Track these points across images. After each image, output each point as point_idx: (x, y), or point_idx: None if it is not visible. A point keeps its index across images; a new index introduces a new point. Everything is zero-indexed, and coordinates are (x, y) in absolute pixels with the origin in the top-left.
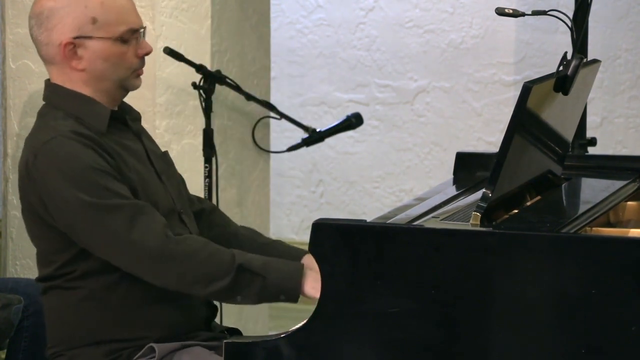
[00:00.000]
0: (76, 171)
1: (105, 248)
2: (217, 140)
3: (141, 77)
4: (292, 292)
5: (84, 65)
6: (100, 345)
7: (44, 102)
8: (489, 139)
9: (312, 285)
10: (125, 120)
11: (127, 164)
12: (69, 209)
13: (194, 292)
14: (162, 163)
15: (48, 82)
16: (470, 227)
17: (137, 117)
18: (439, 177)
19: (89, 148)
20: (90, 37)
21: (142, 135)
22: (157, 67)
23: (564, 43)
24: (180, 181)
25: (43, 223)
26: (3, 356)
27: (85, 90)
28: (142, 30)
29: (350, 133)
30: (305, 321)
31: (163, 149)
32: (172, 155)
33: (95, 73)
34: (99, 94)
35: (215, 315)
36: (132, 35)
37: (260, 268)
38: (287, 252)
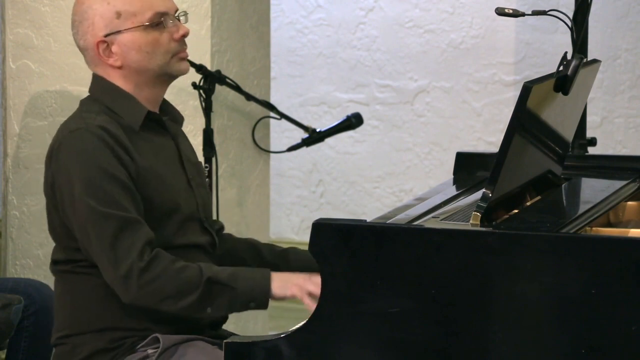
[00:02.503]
0: (87, 169)
1: (89, 249)
2: (217, 140)
3: (186, 60)
4: (261, 299)
5: (120, 62)
6: (105, 333)
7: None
8: (489, 139)
9: (279, 285)
10: (163, 122)
11: (149, 165)
12: (69, 202)
13: (164, 308)
14: (194, 170)
15: (94, 74)
16: (470, 227)
17: (178, 119)
18: (439, 177)
19: (108, 148)
20: (119, 32)
21: (179, 139)
22: None
23: (564, 43)
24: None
25: (54, 207)
26: (3, 356)
27: (128, 88)
28: (177, 13)
29: (350, 133)
30: (305, 321)
31: None
32: None
33: (132, 66)
34: (142, 90)
35: (224, 321)
36: (164, 20)
37: (229, 279)
38: (304, 257)
